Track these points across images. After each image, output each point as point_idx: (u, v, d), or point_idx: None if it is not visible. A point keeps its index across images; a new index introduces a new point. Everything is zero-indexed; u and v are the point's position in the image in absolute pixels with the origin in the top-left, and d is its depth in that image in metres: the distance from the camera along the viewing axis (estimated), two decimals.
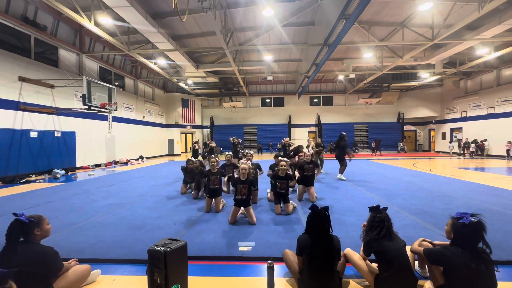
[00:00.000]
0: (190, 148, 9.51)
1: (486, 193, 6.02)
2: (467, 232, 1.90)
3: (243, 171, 4.15)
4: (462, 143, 18.63)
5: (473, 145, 17.69)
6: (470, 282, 1.81)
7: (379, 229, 2.19)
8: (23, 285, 1.75)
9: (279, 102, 25.24)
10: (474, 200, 5.34)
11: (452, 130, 20.96)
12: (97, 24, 9.74)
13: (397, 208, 4.75)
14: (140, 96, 18.25)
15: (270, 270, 2.25)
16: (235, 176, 4.81)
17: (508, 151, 15.82)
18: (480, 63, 15.40)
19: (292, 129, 24.45)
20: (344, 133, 8.15)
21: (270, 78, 18.09)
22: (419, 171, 10.27)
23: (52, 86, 10.50)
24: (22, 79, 9.39)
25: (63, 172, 9.93)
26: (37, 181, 8.47)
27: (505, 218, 4.10)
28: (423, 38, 11.44)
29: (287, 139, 9.55)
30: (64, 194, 6.39)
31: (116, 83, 15.34)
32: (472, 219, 1.91)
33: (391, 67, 14.97)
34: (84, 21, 8.83)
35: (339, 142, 7.91)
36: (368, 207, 2.38)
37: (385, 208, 2.33)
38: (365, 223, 2.36)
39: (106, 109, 10.98)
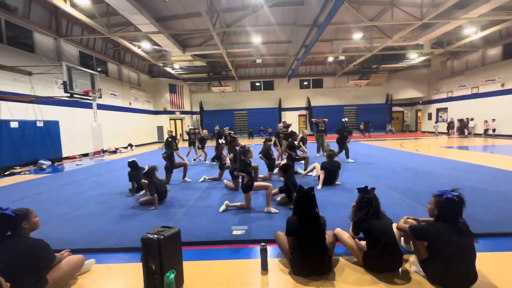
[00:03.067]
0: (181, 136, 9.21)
1: (468, 170, 6.30)
2: (451, 206, 2.00)
3: (268, 144, 4.31)
4: (449, 123, 19.03)
5: (458, 124, 18.12)
6: (452, 254, 1.92)
7: (367, 209, 2.27)
8: (14, 279, 1.73)
9: (269, 86, 24.95)
10: (457, 177, 5.58)
11: (438, 110, 21.46)
12: (73, 5, 9.12)
13: (384, 187, 4.92)
14: (125, 82, 17.58)
15: (263, 252, 2.32)
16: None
17: (486, 130, 16.44)
18: (467, 43, 15.55)
19: (282, 112, 24.39)
20: (346, 119, 8.33)
21: (259, 61, 17.73)
22: (406, 151, 10.57)
23: (29, 73, 9.91)
24: None
25: (49, 163, 9.65)
26: (22, 173, 8.22)
27: (485, 194, 4.33)
28: (412, 17, 11.35)
29: (281, 124, 9.02)
30: (51, 185, 6.25)
31: (98, 69, 14.66)
32: (454, 193, 2.02)
33: (380, 48, 14.91)
34: (58, 1, 8.24)
35: (342, 130, 8.10)
36: (356, 188, 2.45)
37: (373, 189, 2.41)
38: (354, 203, 2.44)
39: (90, 96, 10.56)
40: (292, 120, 24.44)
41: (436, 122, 20.99)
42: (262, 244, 2.35)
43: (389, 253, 2.17)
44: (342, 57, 17.46)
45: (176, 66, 18.82)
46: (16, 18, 9.65)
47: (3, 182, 6.92)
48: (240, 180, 4.34)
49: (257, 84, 25.02)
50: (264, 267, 2.33)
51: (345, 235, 2.51)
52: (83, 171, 8.32)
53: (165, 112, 22.04)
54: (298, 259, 2.21)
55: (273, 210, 3.80)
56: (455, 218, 2.00)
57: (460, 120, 18.25)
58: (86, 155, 12.87)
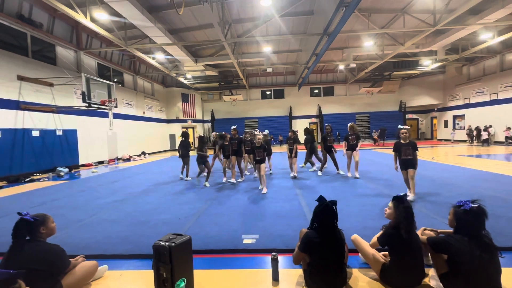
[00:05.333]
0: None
1: (488, 179, 6.01)
2: (469, 218, 1.90)
3: (259, 139, 6.06)
4: (473, 131, 17.90)
5: (484, 132, 16.51)
6: (474, 269, 1.82)
7: (411, 221, 2.12)
8: (31, 283, 1.78)
9: (279, 94, 25.06)
10: (476, 187, 5.34)
11: (455, 117, 20.79)
12: (93, 20, 9.62)
13: None
14: (139, 92, 18.17)
15: (274, 261, 2.27)
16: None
17: (507, 137, 15.67)
18: (483, 49, 15.13)
19: (293, 121, 24.36)
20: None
21: (269, 70, 17.91)
22: (422, 159, 10.23)
23: (51, 85, 10.46)
24: (21, 78, 9.35)
25: (66, 170, 10.00)
26: (41, 180, 8.54)
27: (508, 204, 4.10)
28: (424, 24, 11.21)
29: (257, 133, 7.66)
30: (68, 191, 6.45)
31: (115, 80, 15.26)
32: (473, 205, 1.91)
33: (392, 55, 14.75)
34: (79, 17, 8.71)
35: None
36: (395, 196, 2.26)
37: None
38: (388, 209, 2.25)
39: (106, 106, 10.96)
40: (303, 128, 24.34)
41: (453, 130, 20.27)
42: (273, 254, 2.31)
43: (411, 267, 2.06)
44: (353, 65, 17.37)
45: (188, 76, 19.31)
46: (41, 33, 10.27)
47: (24, 188, 7.22)
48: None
49: (268, 92, 25.20)
50: (275, 278, 2.28)
51: (364, 244, 2.40)
52: (99, 178, 8.55)
53: (177, 120, 22.50)
54: (316, 276, 2.11)
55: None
56: (476, 231, 1.89)
57: (476, 128, 17.50)
58: (101, 162, 13.26)
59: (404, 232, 2.05)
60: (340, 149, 7.46)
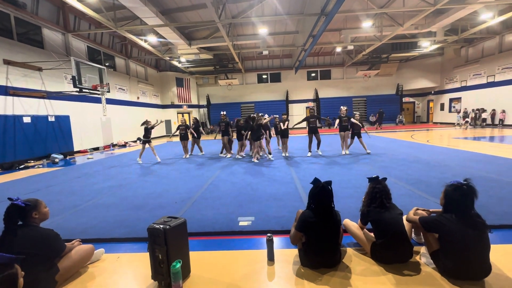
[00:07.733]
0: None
1: (482, 161, 6.10)
2: (457, 196, 1.93)
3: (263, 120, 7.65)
4: (468, 114, 17.89)
5: (484, 114, 16.71)
6: (463, 247, 1.86)
7: (376, 199, 2.22)
8: (27, 268, 1.78)
9: (276, 78, 24.65)
10: (470, 168, 5.41)
11: (451, 100, 20.75)
12: (79, 0, 9.14)
13: (394, 179, 4.82)
14: (132, 77, 17.71)
15: (270, 242, 2.30)
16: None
17: (501, 120, 15.80)
18: (483, 29, 14.86)
19: (290, 105, 24.15)
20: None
21: (265, 52, 17.44)
22: (417, 142, 10.32)
23: (40, 69, 10.11)
24: (7, 62, 9.00)
25: (61, 156, 9.91)
26: (36, 167, 8.47)
27: (499, 184, 4.18)
28: (424, 3, 10.87)
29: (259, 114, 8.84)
30: (64, 178, 6.41)
31: (106, 64, 14.80)
32: (462, 183, 1.94)
33: (391, 36, 14.43)
34: None
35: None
36: (367, 177, 2.39)
37: (384, 179, 2.34)
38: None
39: (98, 91, 10.68)
40: (300, 112, 24.22)
41: (458, 113, 19.35)
42: (268, 235, 2.33)
43: (397, 244, 2.12)
44: (350, 47, 16.97)
45: (182, 59, 18.79)
46: (25, 14, 9.77)
47: (18, 175, 7.15)
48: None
49: (264, 76, 24.76)
50: (271, 258, 2.32)
51: (354, 226, 2.47)
52: (94, 164, 8.50)
53: (172, 106, 22.17)
54: (311, 255, 2.16)
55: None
56: (464, 209, 1.92)
57: (465, 111, 17.58)
58: (96, 149, 13.14)
59: (377, 208, 2.20)
60: (333, 134, 8.38)
